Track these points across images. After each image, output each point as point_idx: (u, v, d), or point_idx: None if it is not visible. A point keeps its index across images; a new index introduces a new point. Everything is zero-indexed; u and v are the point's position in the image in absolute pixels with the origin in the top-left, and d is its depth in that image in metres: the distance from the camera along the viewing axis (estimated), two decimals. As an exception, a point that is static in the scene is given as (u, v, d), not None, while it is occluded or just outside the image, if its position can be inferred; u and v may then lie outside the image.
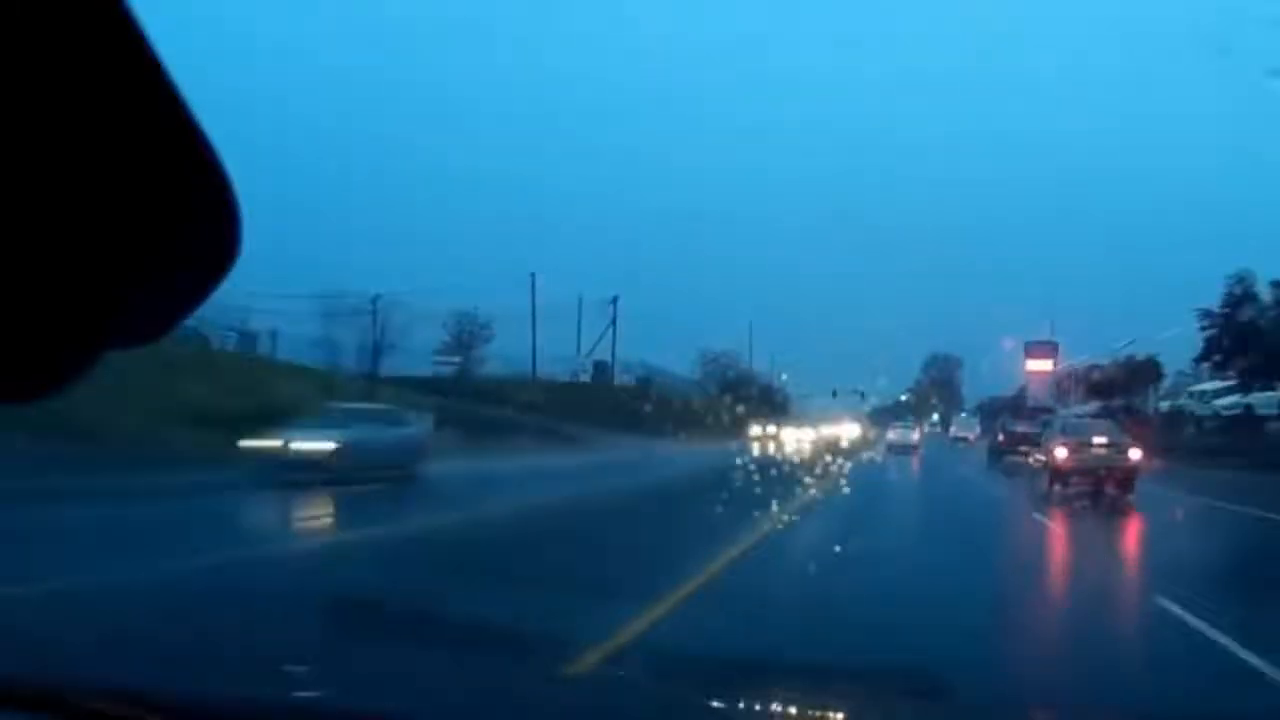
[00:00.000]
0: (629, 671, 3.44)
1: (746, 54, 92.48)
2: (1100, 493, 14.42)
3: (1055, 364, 52.12)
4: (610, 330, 44.46)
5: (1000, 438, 29.65)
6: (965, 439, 45.47)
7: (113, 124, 0.56)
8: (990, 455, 29.75)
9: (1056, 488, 14.84)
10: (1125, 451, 14.96)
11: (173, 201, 0.59)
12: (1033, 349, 53.06)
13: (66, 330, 0.59)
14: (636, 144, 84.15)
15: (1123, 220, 67.22)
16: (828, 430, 37.62)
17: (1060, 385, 51.93)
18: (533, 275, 40.87)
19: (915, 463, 27.73)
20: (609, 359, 45.23)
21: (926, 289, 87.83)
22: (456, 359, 41.01)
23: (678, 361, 50.59)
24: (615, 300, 44.22)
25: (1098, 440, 15.25)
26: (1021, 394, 53.88)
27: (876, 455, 29.90)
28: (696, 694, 2.20)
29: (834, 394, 56.03)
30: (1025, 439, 26.78)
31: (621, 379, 44.56)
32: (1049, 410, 40.24)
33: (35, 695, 1.51)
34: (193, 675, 1.85)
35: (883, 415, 58.36)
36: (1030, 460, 18.23)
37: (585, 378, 44.31)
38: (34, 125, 0.54)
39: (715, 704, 2.10)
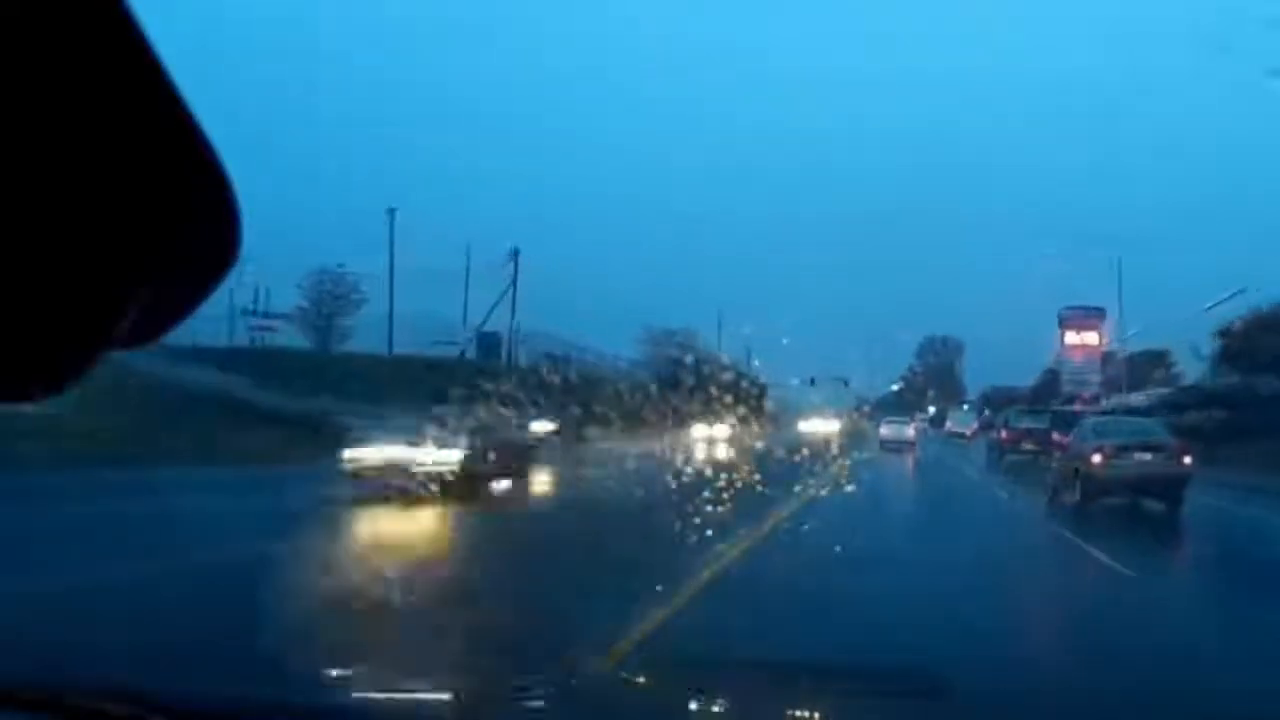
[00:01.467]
0: (629, 672, 3.91)
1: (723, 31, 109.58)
2: (1145, 508, 15.45)
3: (1102, 338, 49.40)
4: (509, 294, 43.91)
5: (1002, 434, 32.29)
6: (962, 435, 49.82)
7: (113, 124, 0.70)
8: (990, 454, 32.53)
9: (1089, 499, 15.67)
10: (1177, 457, 15.95)
11: (173, 201, 0.75)
12: (1073, 318, 50.01)
13: (66, 330, 0.73)
14: (601, 117, 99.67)
15: (1124, 217, 74.98)
16: (806, 428, 38.70)
17: (1107, 361, 49.31)
18: (391, 212, 39.89)
19: (914, 466, 29.65)
20: (510, 331, 44.52)
21: (923, 262, 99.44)
22: (276, 324, 40.17)
23: (628, 346, 52.17)
24: (516, 255, 43.83)
25: (1141, 444, 16.19)
26: (1052, 379, 53.13)
27: (870, 455, 31.18)
28: (695, 694, 2.67)
29: (811, 382, 58.67)
30: (1030, 436, 30.01)
31: (528, 358, 43.91)
32: (1094, 399, 42.14)
33: (35, 695, 1.84)
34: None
35: (873, 408, 60.93)
36: (1055, 464, 19.32)
37: (470, 354, 43.88)
38: (34, 125, 0.68)
39: (714, 704, 2.59)
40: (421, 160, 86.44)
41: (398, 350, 39.74)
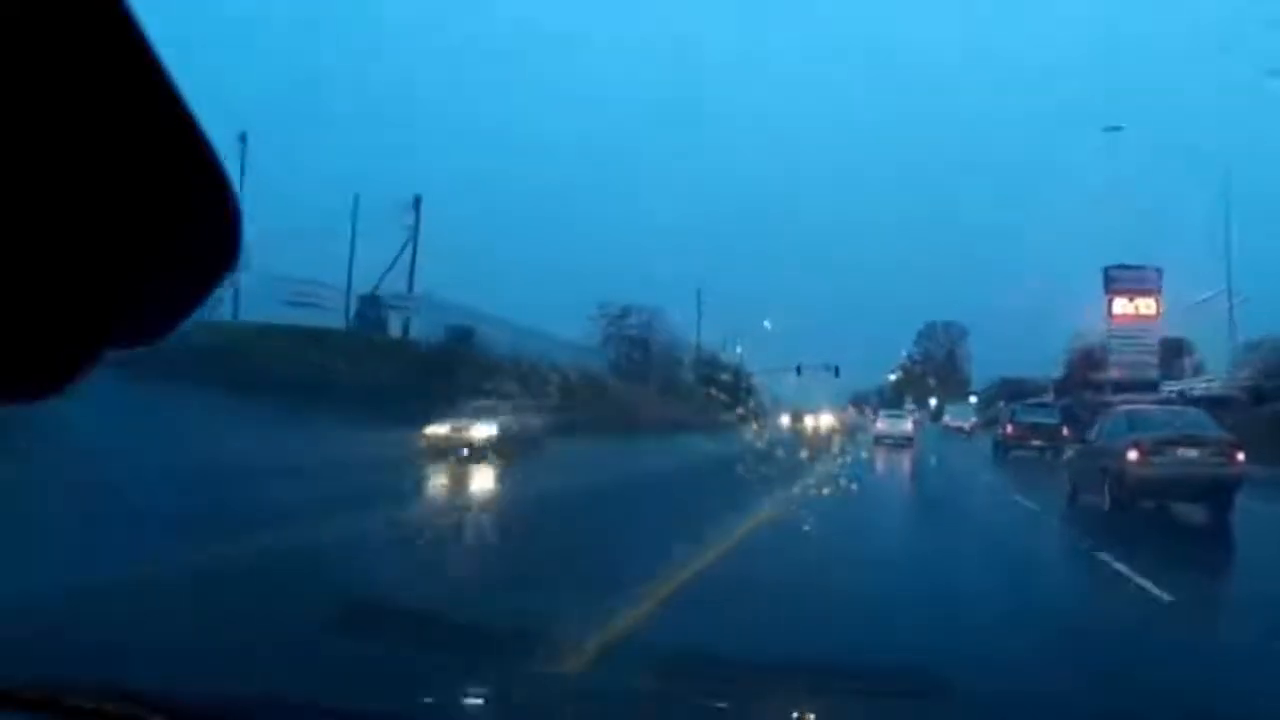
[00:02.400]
0: (628, 670, 4.57)
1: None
2: (1186, 513, 15.75)
3: (1159, 307, 45.46)
4: (408, 252, 42.91)
5: (1008, 429, 35.56)
6: (960, 429, 54.08)
7: (113, 124, 0.84)
8: (995, 450, 35.50)
9: (1123, 504, 15.89)
10: (1228, 455, 16.16)
11: (173, 201, 0.89)
12: (1123, 281, 45.66)
13: (66, 330, 0.87)
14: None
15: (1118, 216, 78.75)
16: (789, 423, 39.37)
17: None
18: (242, 138, 38.78)
19: (910, 471, 30.72)
20: (402, 297, 43.41)
21: (922, 238, 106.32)
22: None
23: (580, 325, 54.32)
24: (418, 203, 42.93)
25: (1186, 438, 16.37)
26: (1085, 363, 52.39)
27: (863, 453, 32.67)
28: (695, 693, 3.19)
29: (797, 371, 60.91)
30: (1037, 432, 33.22)
31: (428, 330, 42.97)
32: (1151, 386, 40.95)
33: (35, 695, 2.18)
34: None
35: (877, 405, 62.93)
36: (1073, 462, 19.82)
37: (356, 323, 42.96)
38: (34, 125, 0.81)
39: (715, 704, 3.11)
40: (325, 108, 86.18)
41: (273, 319, 38.82)
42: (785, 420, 48.28)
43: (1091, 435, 19.02)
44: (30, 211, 0.82)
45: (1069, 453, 21.35)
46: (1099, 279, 47.69)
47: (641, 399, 47.36)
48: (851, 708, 3.46)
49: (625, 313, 59.26)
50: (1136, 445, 16.10)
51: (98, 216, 0.85)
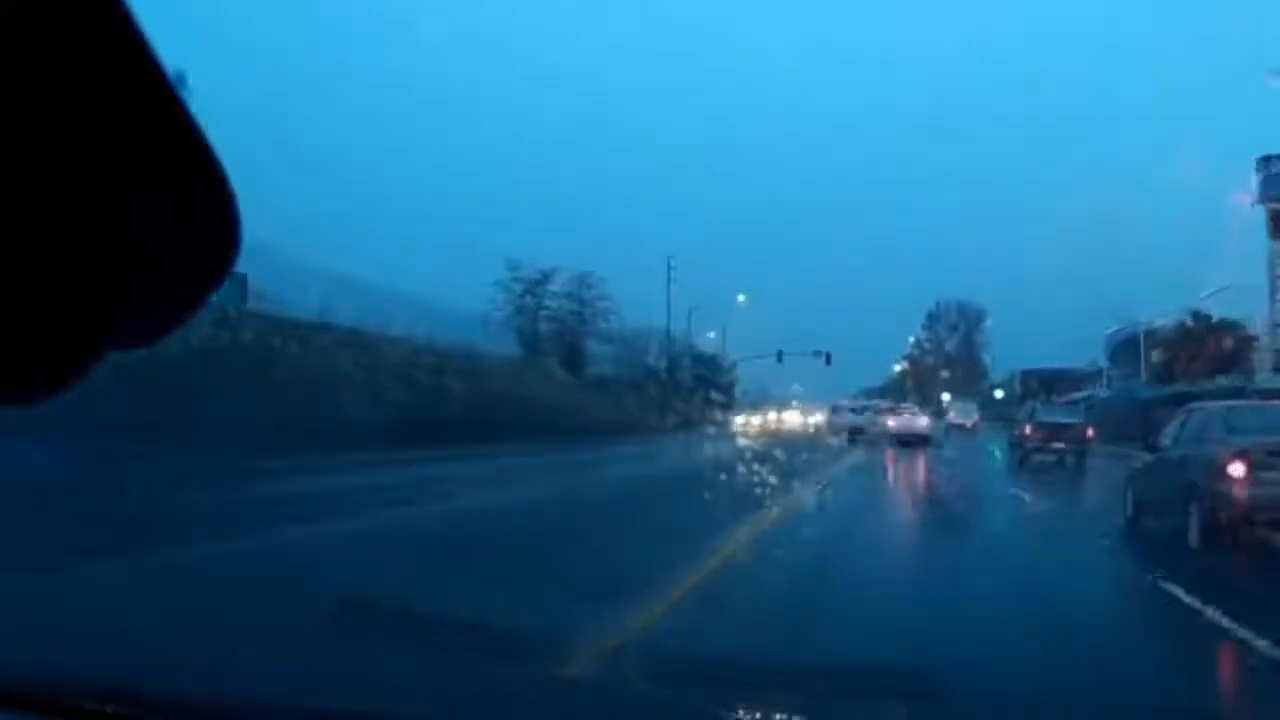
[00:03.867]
0: (626, 672, 6.02)
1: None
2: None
3: None
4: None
5: (1026, 429, 37.54)
6: (963, 425, 70.00)
7: (113, 125, 1.01)
8: (1011, 451, 38.61)
9: (1219, 536, 14.90)
10: None
11: (172, 201, 1.07)
12: None
13: (66, 331, 1.05)
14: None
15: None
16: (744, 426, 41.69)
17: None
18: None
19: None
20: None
21: (933, 205, 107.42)
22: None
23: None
24: (180, 81, 39.36)
25: None
26: (1189, 339, 51.81)
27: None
28: (694, 695, 4.01)
29: (779, 357, 60.80)
30: (1059, 433, 35.27)
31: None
32: None
33: (34, 695, 2.68)
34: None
35: (865, 397, 66.47)
36: (1138, 473, 19.22)
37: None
38: (34, 126, 0.98)
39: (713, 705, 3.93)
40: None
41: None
42: (742, 420, 47.81)
43: (1165, 440, 18.07)
44: (31, 212, 0.98)
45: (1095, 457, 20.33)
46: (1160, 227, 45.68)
47: (545, 391, 45.47)
48: (849, 709, 4.17)
49: (546, 277, 56.59)
50: (1242, 456, 15.07)
51: (98, 217, 1.02)
